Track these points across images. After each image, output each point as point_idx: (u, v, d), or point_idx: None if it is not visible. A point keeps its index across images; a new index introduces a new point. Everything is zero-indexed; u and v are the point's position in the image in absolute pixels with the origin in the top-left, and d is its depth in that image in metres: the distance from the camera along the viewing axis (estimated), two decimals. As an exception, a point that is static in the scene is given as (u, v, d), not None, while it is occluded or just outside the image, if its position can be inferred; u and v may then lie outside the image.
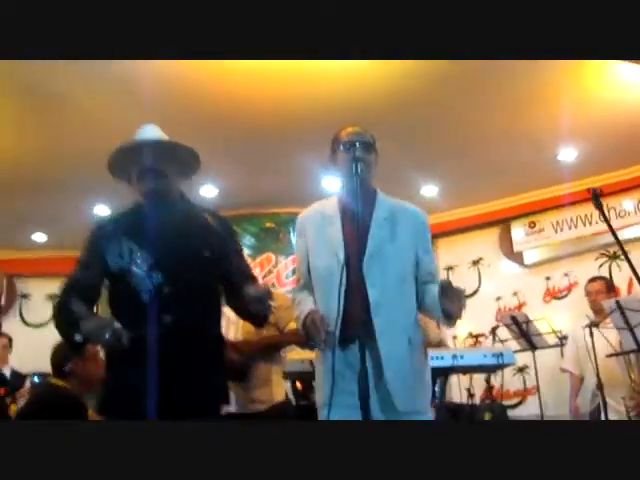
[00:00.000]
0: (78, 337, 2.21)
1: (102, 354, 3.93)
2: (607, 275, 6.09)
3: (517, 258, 7.22)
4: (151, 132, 2.49)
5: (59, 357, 3.47)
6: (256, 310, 2.32)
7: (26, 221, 7.53)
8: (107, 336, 2.14)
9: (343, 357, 2.29)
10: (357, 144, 2.42)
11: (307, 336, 2.37)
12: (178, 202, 2.50)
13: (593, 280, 5.23)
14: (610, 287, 5.10)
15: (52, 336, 7.20)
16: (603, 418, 4.56)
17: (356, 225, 2.31)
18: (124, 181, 2.49)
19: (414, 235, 2.45)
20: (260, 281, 2.65)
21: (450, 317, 2.28)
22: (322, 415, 2.34)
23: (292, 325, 3.68)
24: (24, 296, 8.26)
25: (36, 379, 6.02)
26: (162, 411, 2.26)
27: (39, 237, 8.17)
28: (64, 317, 2.32)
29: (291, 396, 4.88)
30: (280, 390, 3.74)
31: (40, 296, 8.56)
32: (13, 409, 4.56)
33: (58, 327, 2.38)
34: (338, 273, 2.20)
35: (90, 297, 2.40)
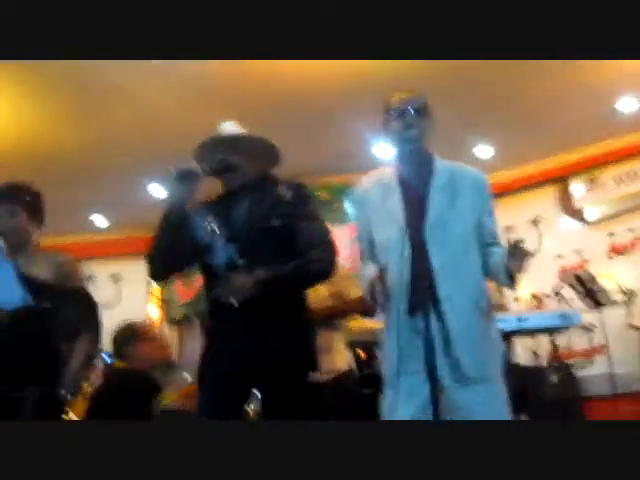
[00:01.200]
0: None
1: (162, 336, 4.04)
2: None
3: (577, 215, 7.05)
4: (227, 128, 2.63)
5: (120, 341, 3.58)
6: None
7: (86, 206, 7.70)
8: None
9: (409, 325, 2.27)
10: (408, 110, 2.37)
11: (371, 300, 2.32)
12: (255, 185, 2.59)
13: None
14: None
15: (118, 316, 7.40)
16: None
17: (415, 193, 2.28)
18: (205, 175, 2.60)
19: (475, 198, 2.40)
20: (333, 242, 2.63)
21: (512, 277, 2.24)
22: (389, 383, 2.34)
23: (354, 294, 3.68)
24: (88, 278, 8.48)
25: (106, 357, 6.20)
26: (251, 377, 2.42)
27: (98, 220, 8.36)
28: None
29: (354, 365, 4.90)
30: (343, 359, 3.76)
31: (104, 277, 8.78)
32: (86, 388, 4.70)
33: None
34: (400, 242, 2.17)
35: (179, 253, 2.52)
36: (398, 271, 2.21)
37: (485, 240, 2.40)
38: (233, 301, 2.33)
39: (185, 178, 2.40)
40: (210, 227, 2.51)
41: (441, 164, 2.46)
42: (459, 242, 2.34)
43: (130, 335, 3.58)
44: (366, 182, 2.57)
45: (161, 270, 2.64)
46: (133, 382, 3.38)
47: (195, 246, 2.53)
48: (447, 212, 2.34)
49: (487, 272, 2.41)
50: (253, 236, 2.46)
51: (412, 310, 2.25)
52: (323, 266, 2.52)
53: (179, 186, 2.42)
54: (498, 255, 2.31)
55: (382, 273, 2.24)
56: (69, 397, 2.72)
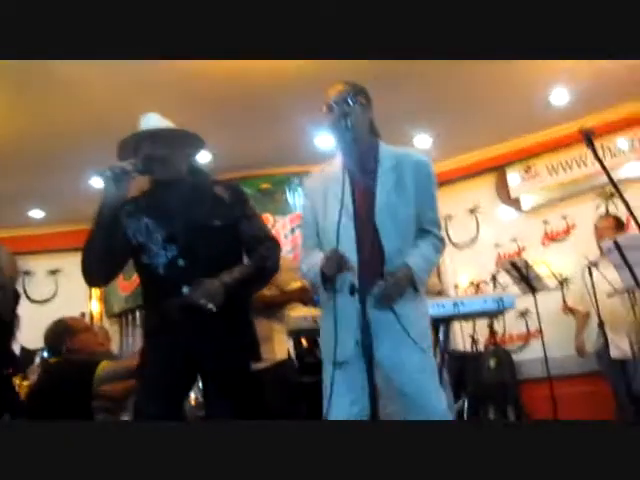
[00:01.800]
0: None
1: (97, 328, 4.01)
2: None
3: (514, 204, 7.22)
4: (151, 121, 2.60)
5: (52, 338, 3.55)
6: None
7: (22, 198, 7.51)
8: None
9: (350, 307, 2.31)
10: (340, 101, 2.43)
11: (329, 269, 2.35)
12: (186, 180, 2.61)
13: (603, 217, 5.27)
14: (619, 224, 5.11)
15: (57, 311, 7.26)
16: (613, 355, 4.64)
17: (362, 179, 2.34)
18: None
19: (418, 183, 2.46)
20: (275, 238, 2.74)
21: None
22: (327, 369, 2.39)
23: (294, 285, 3.73)
24: (26, 273, 8.29)
25: (45, 354, 6.10)
26: (192, 373, 2.48)
27: (36, 213, 8.17)
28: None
29: (294, 354, 4.94)
30: (282, 348, 3.80)
31: (42, 272, 8.61)
32: (25, 385, 4.63)
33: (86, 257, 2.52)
34: (348, 227, 2.21)
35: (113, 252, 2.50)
36: (352, 257, 2.25)
37: (422, 225, 2.47)
38: (211, 306, 2.33)
39: (118, 177, 2.37)
40: (145, 225, 2.51)
41: (386, 149, 2.51)
42: (406, 225, 2.41)
43: (62, 331, 3.54)
44: (313, 175, 2.63)
45: (99, 276, 2.60)
46: (70, 368, 3.35)
47: (130, 245, 2.50)
48: (394, 196, 2.40)
49: None
50: (194, 236, 2.47)
51: (359, 292, 2.27)
52: (273, 262, 2.60)
53: (112, 186, 2.38)
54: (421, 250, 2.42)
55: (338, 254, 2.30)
56: None
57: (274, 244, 2.64)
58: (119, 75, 5.00)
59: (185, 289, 2.40)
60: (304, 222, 2.63)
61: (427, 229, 2.48)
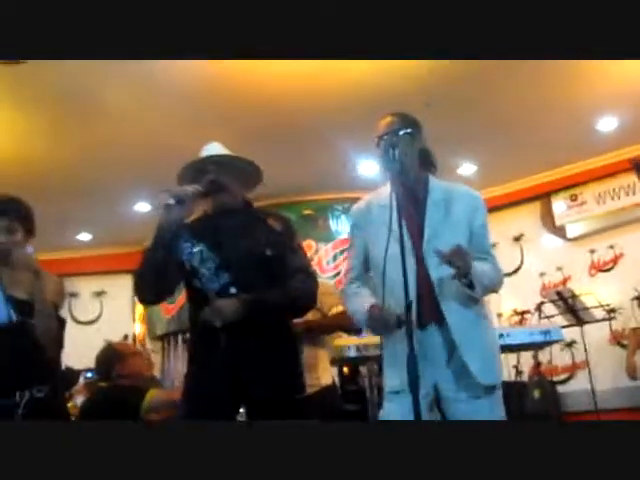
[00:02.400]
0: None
1: (143, 353, 4.06)
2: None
3: (560, 232, 7.12)
4: (213, 149, 2.66)
5: (102, 364, 3.60)
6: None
7: (72, 221, 7.70)
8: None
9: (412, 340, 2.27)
10: (390, 132, 2.43)
11: (375, 329, 2.37)
12: (242, 209, 2.66)
13: None
14: None
15: (101, 332, 7.38)
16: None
17: (411, 210, 2.34)
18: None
19: (468, 213, 2.43)
20: (315, 273, 2.75)
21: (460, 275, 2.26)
22: (389, 397, 2.37)
23: (335, 310, 3.72)
24: (73, 295, 8.45)
25: (89, 375, 6.18)
26: (239, 403, 2.48)
27: (84, 236, 8.36)
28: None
29: (337, 381, 4.92)
30: (327, 375, 3.78)
31: (87, 294, 8.77)
32: (70, 406, 4.69)
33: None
34: (401, 258, 2.17)
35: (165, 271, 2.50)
36: (401, 289, 2.19)
37: (477, 256, 2.42)
38: (218, 323, 2.36)
39: (179, 201, 2.40)
40: (200, 251, 2.53)
41: (435, 182, 2.50)
42: None
43: (111, 356, 3.59)
44: (361, 203, 2.61)
45: (151, 295, 2.63)
46: (121, 394, 3.39)
47: (183, 268, 2.54)
48: (442, 226, 2.38)
49: None
50: (246, 265, 2.50)
51: (407, 325, 2.24)
52: (307, 294, 2.59)
53: (172, 209, 2.42)
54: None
55: (376, 304, 2.30)
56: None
57: (311, 277, 2.65)
58: (167, 104, 5.12)
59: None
60: (352, 250, 2.61)
61: (482, 257, 2.41)
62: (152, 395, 3.28)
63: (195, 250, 2.54)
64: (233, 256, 2.51)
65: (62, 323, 2.84)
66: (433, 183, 2.49)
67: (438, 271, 2.32)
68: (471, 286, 2.27)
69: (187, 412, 2.53)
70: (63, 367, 4.84)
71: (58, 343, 2.74)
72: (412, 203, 2.38)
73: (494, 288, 2.46)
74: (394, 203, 2.29)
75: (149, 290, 2.55)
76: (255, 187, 2.78)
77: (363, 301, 2.41)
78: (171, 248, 2.46)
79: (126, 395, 3.36)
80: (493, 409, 2.30)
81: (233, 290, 2.46)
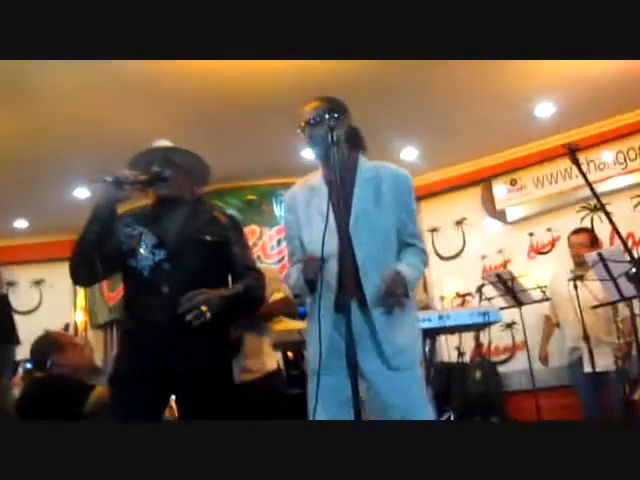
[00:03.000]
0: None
1: (84, 344, 3.99)
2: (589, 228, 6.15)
3: (500, 216, 7.26)
4: (159, 143, 2.73)
5: (38, 352, 3.52)
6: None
7: (7, 208, 7.47)
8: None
9: (332, 321, 2.34)
10: (314, 116, 2.49)
11: (309, 278, 2.39)
12: (189, 202, 2.72)
13: (576, 232, 5.30)
14: (594, 239, 5.17)
15: (41, 321, 7.19)
16: (587, 369, 4.66)
17: (341, 191, 2.36)
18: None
19: (397, 195, 2.48)
20: (261, 270, 2.81)
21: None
22: (311, 379, 2.41)
23: (276, 296, 3.74)
24: (10, 284, 8.23)
25: (28, 365, 6.04)
26: (164, 380, 2.45)
27: (20, 224, 8.12)
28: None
29: (283, 366, 4.93)
30: (272, 360, 3.80)
31: (26, 283, 8.55)
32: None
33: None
34: (327, 239, 2.21)
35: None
36: (326, 268, 2.26)
37: (403, 239, 2.48)
38: (208, 314, 2.40)
39: (118, 183, 2.42)
40: (138, 232, 2.58)
41: (365, 162, 2.55)
42: (381, 236, 2.42)
43: (49, 345, 3.51)
44: (294, 187, 2.66)
45: (86, 275, 2.62)
46: (58, 386, 3.32)
47: (121, 251, 2.54)
48: (371, 206, 2.42)
49: None
50: (183, 245, 2.55)
51: (338, 307, 2.30)
52: (260, 293, 2.71)
53: (111, 190, 2.43)
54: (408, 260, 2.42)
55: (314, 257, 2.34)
56: None
57: (261, 275, 2.72)
58: (106, 85, 4.99)
59: (165, 289, 2.46)
60: (288, 236, 2.66)
61: (409, 242, 2.50)
62: (99, 394, 3.22)
63: (135, 233, 2.58)
64: (171, 236, 2.57)
65: (8, 315, 2.78)
66: (362, 163, 2.54)
67: (362, 250, 2.35)
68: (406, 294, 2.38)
69: (115, 394, 2.53)
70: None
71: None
72: (341, 184, 2.41)
73: (421, 277, 2.55)
74: (325, 185, 2.33)
75: (83, 269, 2.54)
76: (205, 182, 2.86)
77: (298, 266, 2.46)
78: (108, 229, 2.47)
79: (63, 386, 3.29)
80: (410, 386, 2.37)
81: (167, 266, 2.51)
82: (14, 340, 2.79)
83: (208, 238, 2.59)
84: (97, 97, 5.18)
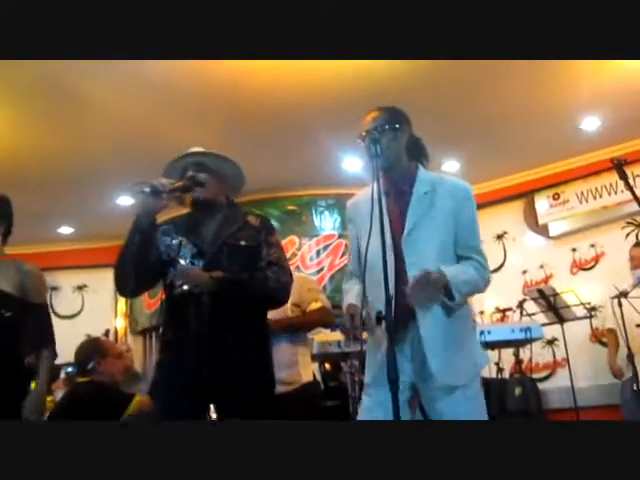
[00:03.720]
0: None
1: (125, 351, 4.04)
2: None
3: (542, 230, 7.16)
4: (193, 150, 2.74)
5: (82, 357, 3.58)
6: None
7: (53, 215, 7.64)
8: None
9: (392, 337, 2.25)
10: (374, 127, 2.41)
11: (345, 330, 2.36)
12: (223, 207, 2.74)
13: (638, 245, 5.15)
14: None
15: (83, 326, 7.30)
16: (635, 388, 4.55)
17: (398, 204, 2.35)
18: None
19: (455, 208, 2.39)
20: (290, 269, 2.79)
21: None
22: (366, 390, 2.39)
23: (314, 306, 3.73)
24: (54, 288, 8.38)
25: (69, 369, 6.15)
26: (203, 390, 2.46)
27: (65, 230, 8.29)
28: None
29: (319, 378, 4.92)
30: (308, 371, 3.78)
31: (69, 288, 8.71)
32: (49, 400, 4.65)
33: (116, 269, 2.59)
34: (382, 255, 2.14)
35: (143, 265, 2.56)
36: (380, 282, 2.16)
37: (461, 254, 2.39)
38: (186, 287, 2.43)
39: (156, 192, 2.44)
40: (177, 241, 2.62)
41: (423, 174, 2.47)
42: (435, 250, 2.34)
43: (92, 352, 3.57)
44: (357, 196, 2.60)
45: (131, 285, 2.64)
46: (100, 393, 3.36)
47: (161, 261, 2.58)
48: (424, 221, 2.35)
49: None
50: (220, 252, 2.57)
51: (395, 325, 2.20)
52: (276, 285, 2.62)
53: (150, 200, 2.45)
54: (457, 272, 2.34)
55: (354, 306, 2.29)
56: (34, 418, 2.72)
57: (284, 270, 2.69)
58: (149, 96, 5.08)
59: (205, 298, 2.48)
60: (350, 246, 2.64)
61: (468, 256, 2.39)
62: (140, 403, 3.26)
63: (174, 242, 2.62)
64: (208, 244, 2.60)
65: (48, 315, 2.84)
66: (421, 175, 2.47)
67: (412, 265, 2.31)
68: (450, 296, 2.26)
69: (157, 405, 2.56)
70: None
71: (45, 335, 2.75)
72: (398, 197, 2.38)
73: (477, 291, 2.43)
74: (383, 197, 2.25)
75: (128, 280, 2.56)
76: (239, 188, 2.86)
77: (349, 298, 2.38)
78: (149, 239, 2.50)
79: (104, 393, 3.33)
80: (469, 406, 2.29)
81: None
82: (54, 350, 2.84)
83: (242, 243, 2.62)
84: (145, 109, 5.28)
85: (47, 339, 2.78)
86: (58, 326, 3.19)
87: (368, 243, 2.14)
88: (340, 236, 7.24)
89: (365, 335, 2.51)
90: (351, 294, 2.43)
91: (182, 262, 2.56)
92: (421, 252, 2.32)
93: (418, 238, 2.33)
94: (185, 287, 2.44)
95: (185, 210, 2.81)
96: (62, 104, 5.14)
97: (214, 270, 2.50)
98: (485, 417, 2.36)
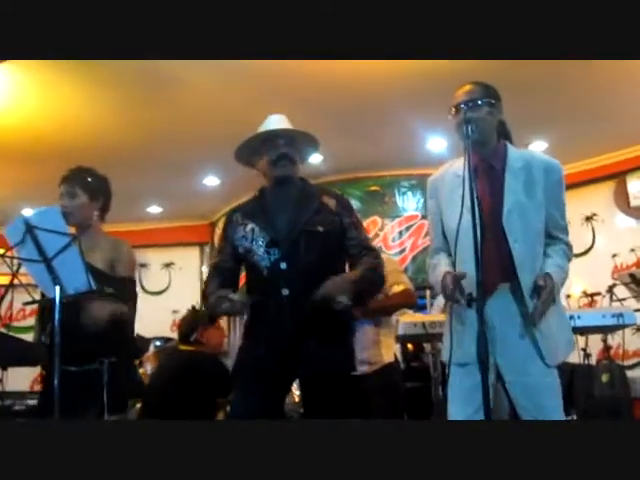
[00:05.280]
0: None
1: (224, 324, 4.17)
2: None
3: (634, 213, 6.89)
4: (281, 122, 2.68)
5: (186, 327, 3.72)
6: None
7: (143, 195, 7.92)
8: (223, 306, 2.44)
9: (473, 314, 2.19)
10: (464, 104, 2.37)
11: (445, 299, 2.37)
12: (297, 185, 2.67)
13: None
14: None
15: (170, 302, 7.53)
16: None
17: (489, 180, 2.32)
18: (249, 166, 2.72)
19: (548, 187, 2.35)
20: (377, 251, 2.74)
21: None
22: (451, 372, 2.38)
23: (397, 288, 3.72)
24: (143, 265, 8.68)
25: (158, 343, 6.39)
26: (291, 378, 2.55)
27: (154, 209, 8.57)
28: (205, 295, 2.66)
29: (401, 359, 4.92)
30: (389, 352, 3.79)
31: (157, 265, 9.01)
32: (142, 372, 4.85)
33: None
34: (472, 230, 2.09)
35: (229, 278, 2.65)
36: (470, 259, 2.10)
37: (550, 231, 2.37)
38: (344, 300, 2.38)
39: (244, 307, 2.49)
40: (250, 228, 2.59)
41: (515, 151, 2.44)
42: (534, 229, 2.32)
43: (196, 321, 3.72)
44: (438, 173, 2.56)
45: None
46: (215, 364, 3.50)
47: (239, 255, 2.62)
48: (523, 198, 2.32)
49: None
50: (296, 240, 2.51)
51: (478, 301, 2.12)
52: (383, 271, 2.62)
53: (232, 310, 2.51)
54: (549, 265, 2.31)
55: (450, 272, 2.29)
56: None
57: (377, 254, 2.67)
58: (233, 78, 5.16)
59: (285, 291, 2.47)
60: (430, 222, 2.59)
61: (556, 236, 2.37)
62: None
63: (247, 230, 2.59)
64: (283, 232, 2.54)
65: (135, 292, 2.95)
66: (512, 152, 2.42)
67: (518, 242, 2.27)
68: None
69: (238, 386, 2.60)
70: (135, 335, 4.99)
71: (132, 311, 2.86)
72: (489, 173, 2.34)
73: (567, 276, 2.39)
74: (471, 173, 2.22)
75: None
76: (310, 157, 2.84)
77: (440, 271, 2.37)
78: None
79: (220, 367, 3.46)
80: (553, 393, 2.29)
81: (283, 266, 2.49)
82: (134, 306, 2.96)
83: (320, 229, 2.53)
84: (236, 95, 5.40)
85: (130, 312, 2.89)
86: (146, 302, 3.33)
87: (460, 220, 2.13)
88: (423, 217, 7.18)
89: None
90: (443, 266, 2.40)
91: (258, 251, 2.53)
92: (523, 229, 2.29)
93: (519, 215, 2.29)
94: (348, 302, 2.39)
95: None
96: (153, 87, 5.30)
97: (291, 258, 2.49)
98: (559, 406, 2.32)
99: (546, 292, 2.21)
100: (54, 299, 2.40)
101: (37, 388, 7.70)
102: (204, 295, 2.67)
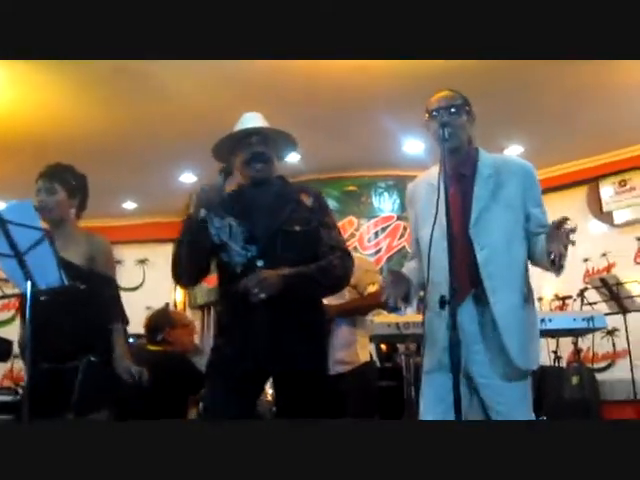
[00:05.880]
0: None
1: (194, 323, 4.13)
2: None
3: (606, 218, 6.99)
4: (255, 120, 2.64)
5: (153, 326, 3.68)
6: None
7: (118, 190, 7.85)
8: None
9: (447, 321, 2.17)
10: (442, 109, 2.38)
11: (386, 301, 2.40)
12: (275, 183, 2.65)
13: None
14: None
15: (144, 298, 7.45)
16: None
17: (460, 188, 2.33)
18: (226, 164, 2.65)
19: (521, 188, 2.37)
20: (350, 252, 2.72)
21: (554, 262, 2.20)
22: (423, 379, 2.40)
23: (371, 288, 3.73)
24: (117, 262, 8.59)
25: (131, 340, 6.33)
26: (261, 375, 2.50)
27: (129, 205, 8.51)
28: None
29: (375, 358, 4.94)
30: (365, 352, 3.80)
31: (131, 261, 8.94)
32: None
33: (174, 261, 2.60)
34: (441, 239, 2.13)
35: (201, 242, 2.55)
36: (441, 268, 2.14)
37: (533, 230, 2.36)
38: (261, 296, 2.34)
39: (212, 192, 2.47)
40: (229, 225, 2.54)
41: (486, 157, 2.45)
42: (503, 234, 2.33)
43: (163, 322, 3.67)
44: (416, 181, 2.59)
45: (188, 280, 2.72)
46: (183, 365, 3.46)
47: (213, 245, 2.55)
48: (490, 204, 2.34)
49: (535, 261, 2.39)
50: (274, 239, 2.49)
51: (449, 305, 2.10)
52: (343, 271, 2.58)
53: (206, 199, 2.48)
54: (542, 241, 2.27)
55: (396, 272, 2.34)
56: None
57: (346, 255, 2.63)
58: (210, 77, 5.16)
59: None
60: (410, 231, 2.65)
61: (540, 232, 2.33)
62: None
63: (225, 222, 2.54)
64: (261, 230, 2.51)
65: (117, 288, 2.93)
66: (482, 157, 2.44)
67: (484, 249, 2.30)
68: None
69: (211, 385, 2.58)
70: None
71: (116, 308, 2.84)
72: (460, 181, 2.36)
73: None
74: (443, 182, 2.23)
75: (185, 275, 2.62)
76: (287, 156, 2.81)
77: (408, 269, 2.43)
78: (202, 232, 2.50)
79: (187, 366, 3.43)
80: (524, 395, 2.30)
81: (260, 264, 2.45)
82: (125, 322, 2.93)
83: (297, 228, 2.52)
84: (207, 91, 5.39)
85: (118, 312, 2.87)
86: (122, 298, 3.29)
87: (433, 229, 2.15)
88: (399, 218, 7.22)
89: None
90: (405, 269, 2.48)
91: (234, 247, 2.49)
92: (490, 234, 2.31)
93: (485, 222, 2.32)
94: (263, 295, 2.34)
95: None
96: (130, 83, 5.27)
97: (268, 256, 2.46)
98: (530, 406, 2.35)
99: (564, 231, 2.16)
100: (25, 294, 2.38)
101: (7, 384, 7.63)
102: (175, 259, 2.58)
